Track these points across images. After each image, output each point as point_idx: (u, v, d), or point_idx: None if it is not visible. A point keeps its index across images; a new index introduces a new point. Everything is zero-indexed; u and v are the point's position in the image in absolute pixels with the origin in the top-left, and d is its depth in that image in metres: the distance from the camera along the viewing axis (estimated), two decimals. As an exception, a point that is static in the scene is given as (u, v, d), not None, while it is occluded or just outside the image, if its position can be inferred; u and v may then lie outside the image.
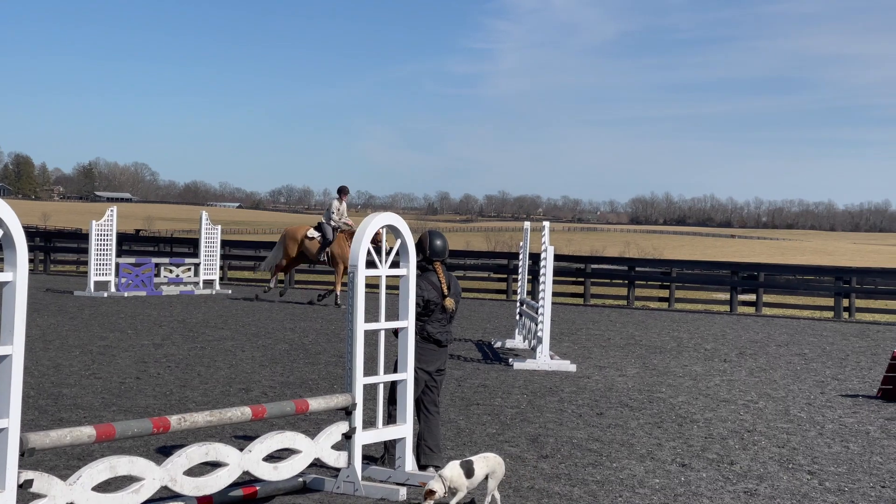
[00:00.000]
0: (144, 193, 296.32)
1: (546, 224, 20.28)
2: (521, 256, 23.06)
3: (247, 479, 8.98)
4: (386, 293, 9.70)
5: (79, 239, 45.42)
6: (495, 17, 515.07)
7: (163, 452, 10.36)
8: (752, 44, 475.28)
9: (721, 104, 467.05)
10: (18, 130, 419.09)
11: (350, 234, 27.99)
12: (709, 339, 23.86)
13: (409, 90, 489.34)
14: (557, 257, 30.69)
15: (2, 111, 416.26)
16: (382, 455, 10.29)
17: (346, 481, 9.33)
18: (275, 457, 8.85)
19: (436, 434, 10.36)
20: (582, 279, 36.01)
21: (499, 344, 21.33)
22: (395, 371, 9.90)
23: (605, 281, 37.72)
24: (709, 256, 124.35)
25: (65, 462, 10.04)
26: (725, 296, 35.67)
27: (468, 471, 8.81)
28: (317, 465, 9.35)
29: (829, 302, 34.00)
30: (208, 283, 33.12)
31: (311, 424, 11.79)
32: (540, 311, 18.54)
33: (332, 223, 28.57)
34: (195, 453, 8.12)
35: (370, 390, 12.23)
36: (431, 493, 8.63)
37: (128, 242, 43.06)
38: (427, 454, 10.18)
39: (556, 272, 31.47)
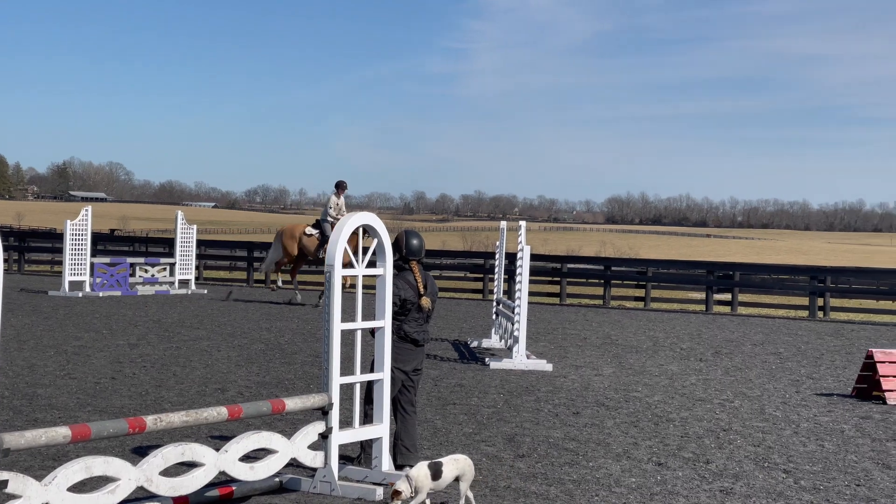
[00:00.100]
0: (119, 193, 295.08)
1: (522, 224, 20.29)
2: (497, 256, 23.07)
3: (223, 480, 8.95)
4: (363, 293, 9.69)
5: (53, 239, 45.25)
6: (471, 16, 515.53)
7: (138, 453, 10.33)
8: (728, 44, 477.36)
9: (696, 104, 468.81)
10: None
11: None
12: (685, 339, 23.92)
13: (386, 90, 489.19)
14: (534, 257, 30.73)
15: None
16: (359, 455, 10.28)
17: (323, 481, 9.31)
18: (251, 457, 8.82)
19: (412, 434, 10.35)
20: (558, 279, 36.07)
21: (475, 343, 21.34)
22: (372, 371, 9.88)
23: (581, 280, 37.78)
24: (684, 256, 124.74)
25: (40, 462, 9.99)
26: (701, 295, 35.80)
27: (436, 472, 8.78)
28: (293, 465, 9.33)
29: (804, 301, 34.14)
30: (184, 283, 33.03)
31: (288, 424, 11.77)
32: (516, 310, 18.55)
33: (330, 219, 28.08)
34: (171, 453, 8.09)
35: (347, 390, 12.21)
36: (398, 493, 8.60)
37: (103, 242, 42.91)
38: (404, 454, 10.17)
39: (533, 272, 31.49)
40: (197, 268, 36.64)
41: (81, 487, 7.94)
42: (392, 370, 9.99)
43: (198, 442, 9.17)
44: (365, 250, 9.73)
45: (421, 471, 8.76)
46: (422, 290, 10.29)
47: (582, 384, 16.37)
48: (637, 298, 35.96)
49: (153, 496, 8.29)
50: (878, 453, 11.99)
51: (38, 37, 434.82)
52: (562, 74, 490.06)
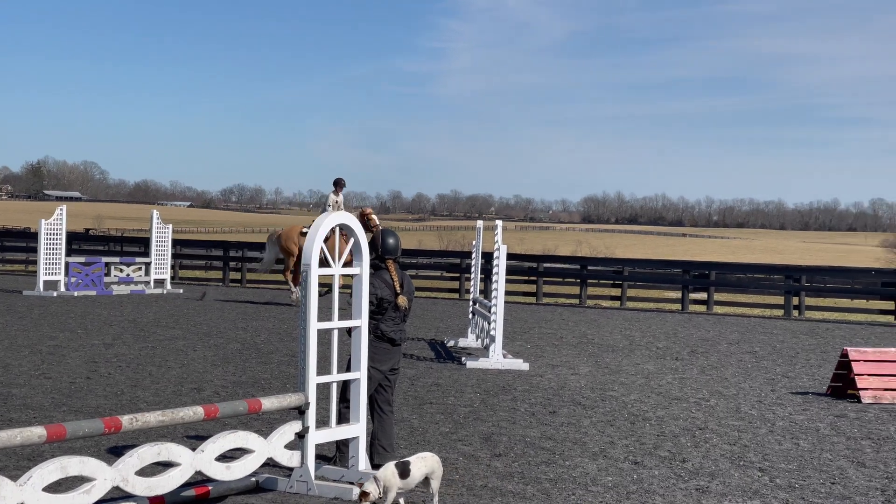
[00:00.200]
0: (94, 192, 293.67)
1: (499, 223, 20.32)
2: (473, 255, 23.09)
3: (199, 479, 8.92)
4: (339, 292, 9.67)
5: (28, 238, 45.06)
6: (447, 16, 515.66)
7: (114, 453, 10.29)
8: (704, 44, 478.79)
9: (672, 104, 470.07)
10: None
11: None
12: (661, 338, 23.99)
13: (362, 89, 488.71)
14: (510, 256, 30.75)
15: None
16: (335, 455, 10.26)
17: (300, 481, 9.30)
18: (227, 456, 8.80)
19: (389, 433, 10.35)
20: (534, 278, 36.13)
21: (452, 343, 21.34)
22: (349, 370, 9.87)
23: (557, 280, 37.86)
24: (660, 255, 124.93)
25: (15, 462, 9.94)
26: (677, 294, 35.90)
27: (403, 471, 8.77)
28: (270, 464, 9.30)
29: (780, 300, 34.29)
30: (159, 283, 32.94)
31: (264, 424, 11.74)
32: (493, 309, 18.56)
33: None
34: (147, 453, 8.06)
35: (323, 389, 12.19)
36: (366, 494, 8.58)
37: (77, 242, 42.72)
38: (381, 454, 10.17)
39: (509, 271, 31.52)
40: (172, 267, 36.51)
41: (57, 487, 7.90)
42: (369, 369, 9.98)
43: (174, 442, 9.13)
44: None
45: (388, 470, 8.74)
46: (398, 289, 10.29)
47: (558, 383, 16.39)
48: (613, 298, 36.04)
49: (129, 496, 8.26)
50: (852, 451, 12.05)
51: (12, 36, 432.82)
52: (538, 74, 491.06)
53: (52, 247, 30.19)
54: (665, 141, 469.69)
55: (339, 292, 9.64)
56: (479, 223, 23.67)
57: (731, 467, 10.98)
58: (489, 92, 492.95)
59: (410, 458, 8.96)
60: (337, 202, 27.77)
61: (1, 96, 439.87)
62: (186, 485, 8.70)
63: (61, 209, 30.97)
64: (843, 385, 16.08)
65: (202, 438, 10.37)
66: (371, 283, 10.08)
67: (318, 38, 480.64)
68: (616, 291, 36.14)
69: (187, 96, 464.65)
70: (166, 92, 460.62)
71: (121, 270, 32.15)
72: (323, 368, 9.75)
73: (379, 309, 10.19)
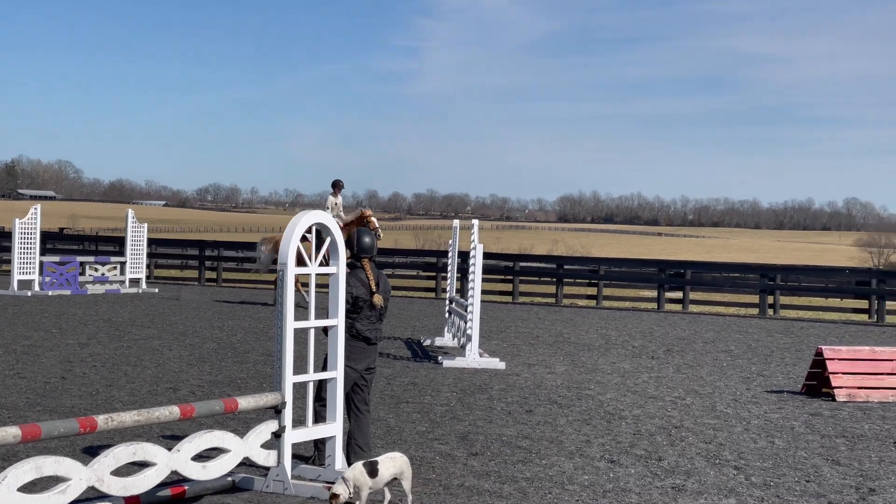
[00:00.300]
0: (68, 191, 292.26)
1: (475, 222, 20.34)
2: (450, 254, 23.10)
3: (175, 479, 8.90)
4: (316, 291, 9.66)
5: (1, 237, 44.76)
6: (422, 15, 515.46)
7: (89, 453, 10.25)
8: (680, 43, 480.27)
9: (648, 103, 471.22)
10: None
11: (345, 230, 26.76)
12: (636, 337, 24.05)
13: (338, 88, 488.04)
14: (486, 255, 30.78)
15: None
16: (313, 455, 10.25)
17: (276, 480, 9.28)
18: (204, 456, 8.77)
19: (366, 433, 10.34)
20: (511, 277, 36.17)
21: (428, 342, 21.34)
22: (325, 369, 9.86)
23: (533, 279, 37.91)
24: (636, 254, 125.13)
25: (-11, 463, 9.88)
26: (653, 293, 36.02)
27: (371, 470, 8.76)
28: (246, 464, 9.28)
29: (755, 299, 34.42)
30: (134, 282, 32.83)
31: (241, 423, 11.72)
32: (469, 308, 18.57)
33: None
34: (122, 453, 8.03)
35: (300, 389, 12.17)
36: (336, 496, 8.57)
37: (52, 241, 42.51)
38: (357, 453, 10.15)
39: (485, 270, 31.53)
40: (148, 266, 36.39)
41: (32, 487, 7.86)
42: (344, 368, 9.96)
43: (150, 441, 9.10)
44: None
45: (356, 470, 8.74)
46: (374, 287, 10.27)
47: (535, 382, 16.41)
48: (589, 297, 36.10)
49: (104, 496, 8.23)
50: (827, 449, 12.11)
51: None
52: (514, 73, 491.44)
53: (26, 246, 30.05)
54: (641, 140, 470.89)
55: (316, 292, 9.63)
56: (456, 222, 23.69)
57: (706, 465, 11.02)
58: (465, 91, 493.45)
59: (379, 458, 8.96)
60: (336, 204, 27.59)
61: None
62: (162, 485, 8.68)
63: (35, 208, 30.82)
64: (817, 383, 16.17)
65: (178, 438, 10.33)
66: (346, 282, 10.06)
67: (292, 36, 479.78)
68: (592, 290, 36.21)
69: (162, 95, 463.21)
70: (141, 91, 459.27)
71: (96, 270, 32.02)
72: (299, 368, 9.74)
73: (354, 308, 10.17)
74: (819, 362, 16.12)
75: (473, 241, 19.58)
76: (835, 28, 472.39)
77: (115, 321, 23.06)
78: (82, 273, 31.43)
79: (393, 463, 8.92)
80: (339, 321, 9.66)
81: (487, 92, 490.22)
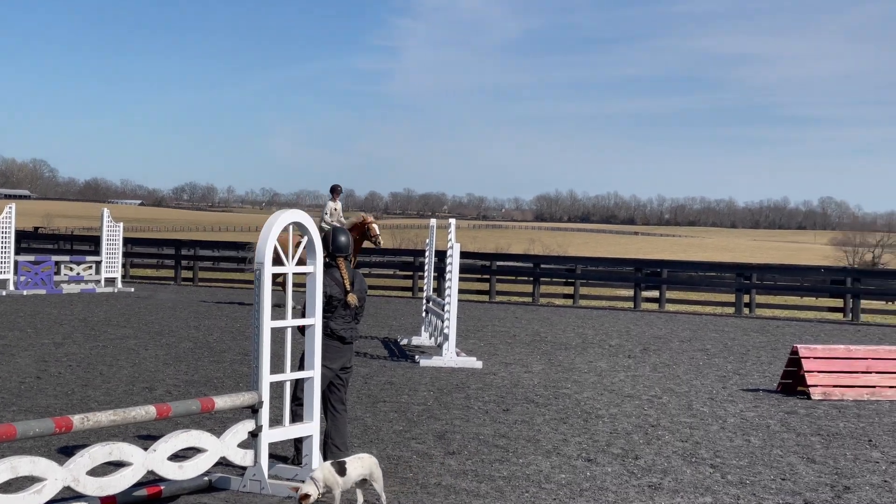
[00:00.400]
0: (43, 190, 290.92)
1: (452, 221, 20.34)
2: (427, 254, 23.08)
3: (151, 479, 8.87)
4: (293, 290, 9.64)
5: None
6: (400, 14, 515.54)
7: (65, 453, 10.21)
8: (656, 43, 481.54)
9: (625, 103, 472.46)
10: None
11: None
12: (613, 336, 24.09)
13: (314, 87, 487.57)
14: (463, 254, 30.77)
15: None
16: (293, 455, 10.22)
17: (253, 480, 9.26)
18: (180, 456, 8.75)
19: (343, 432, 10.32)
20: (487, 276, 36.17)
21: (405, 341, 21.33)
22: (301, 368, 9.84)
23: (510, 278, 37.92)
24: (612, 253, 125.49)
25: (-37, 464, 9.82)
26: (629, 292, 36.08)
27: (340, 470, 8.76)
28: (223, 463, 9.26)
29: (731, 298, 34.51)
30: (110, 282, 32.69)
31: (217, 423, 11.68)
32: (446, 308, 18.57)
33: (325, 224, 26.86)
34: (98, 453, 8.01)
35: (276, 388, 12.14)
36: (306, 496, 8.55)
37: (27, 240, 42.27)
38: (334, 453, 10.13)
39: (462, 269, 31.51)
40: (123, 266, 36.23)
41: (7, 488, 7.83)
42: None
43: (126, 441, 9.07)
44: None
45: (325, 470, 8.73)
46: (348, 286, 10.25)
47: (511, 381, 16.42)
48: (566, 296, 36.13)
49: (80, 496, 8.19)
50: (802, 447, 12.16)
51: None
52: (491, 73, 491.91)
53: (0, 245, 29.87)
54: (617, 140, 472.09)
55: (293, 291, 9.61)
56: (433, 221, 23.69)
57: (683, 464, 11.05)
58: (442, 90, 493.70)
59: (346, 458, 8.96)
60: (336, 209, 27.39)
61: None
62: (138, 484, 8.65)
63: (10, 207, 30.67)
64: (793, 382, 16.23)
65: (154, 438, 10.29)
66: (322, 281, 10.05)
67: (269, 35, 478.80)
68: (569, 289, 36.25)
69: (138, 93, 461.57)
70: (117, 89, 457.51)
71: (71, 269, 31.87)
72: (276, 367, 9.72)
73: (328, 306, 10.14)
74: (795, 361, 16.19)
75: (450, 240, 19.58)
76: (811, 28, 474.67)
77: (91, 321, 22.97)
78: (57, 272, 31.28)
79: (361, 463, 8.90)
80: (316, 320, 9.64)
81: (465, 91, 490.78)
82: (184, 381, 15.20)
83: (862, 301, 33.35)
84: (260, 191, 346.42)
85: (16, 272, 30.08)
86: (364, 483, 8.95)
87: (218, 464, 9.14)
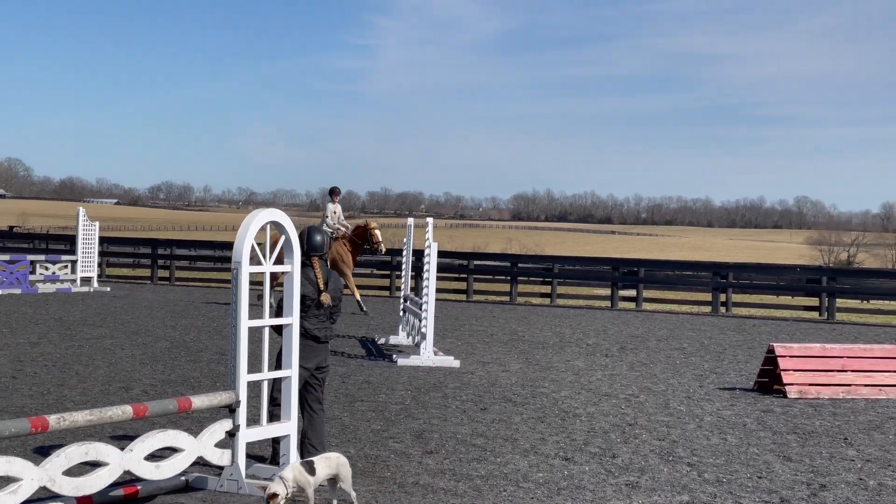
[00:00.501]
0: (18, 189, 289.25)
1: (430, 221, 20.33)
2: (404, 253, 23.07)
3: (128, 479, 8.84)
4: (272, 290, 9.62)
5: (-49, 236, 44.31)
6: (376, 13, 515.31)
7: (41, 452, 10.16)
8: (632, 42, 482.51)
9: (602, 102, 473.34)
10: None
11: (348, 238, 26.00)
12: (590, 335, 24.13)
13: (291, 86, 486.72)
14: (441, 254, 30.76)
15: None
16: (271, 455, 10.19)
17: (230, 479, 9.24)
18: (157, 456, 8.72)
19: (320, 432, 10.31)
20: (465, 275, 36.19)
21: (382, 340, 21.31)
22: (278, 368, 9.82)
23: (487, 277, 37.94)
24: (590, 252, 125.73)
25: (-62, 464, 9.77)
26: (606, 291, 36.15)
27: (310, 469, 8.75)
28: (200, 463, 9.24)
29: (707, 297, 34.61)
30: (86, 281, 32.56)
31: (194, 423, 11.65)
32: (424, 307, 18.57)
33: (326, 227, 26.09)
34: (75, 453, 7.97)
35: (254, 388, 12.12)
36: (274, 495, 8.53)
37: (1, 239, 42.14)
38: (311, 452, 10.11)
39: (440, 269, 31.49)
40: (99, 265, 36.08)
41: (-18, 489, 7.79)
42: (297, 367, 9.93)
43: (102, 441, 9.03)
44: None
45: (295, 469, 8.72)
46: (322, 286, 10.23)
47: (489, 380, 16.43)
48: (543, 295, 36.18)
49: (56, 496, 8.16)
50: (779, 446, 12.20)
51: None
52: (467, 71, 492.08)
53: (-24, 244, 29.75)
54: (594, 139, 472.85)
55: (272, 290, 9.59)
56: (410, 220, 23.68)
57: (660, 462, 11.08)
58: (419, 89, 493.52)
59: (314, 458, 8.96)
60: (335, 212, 27.19)
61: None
62: (115, 484, 8.62)
63: (-15, 206, 30.52)
64: (769, 380, 16.29)
65: (131, 438, 10.25)
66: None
67: (246, 33, 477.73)
68: (546, 289, 36.30)
69: (114, 92, 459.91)
70: (92, 88, 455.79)
71: (46, 268, 31.73)
72: (253, 366, 9.69)
73: (302, 306, 10.12)
74: (771, 359, 16.25)
75: (428, 239, 19.58)
76: (787, 28, 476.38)
77: (67, 320, 22.87)
78: (33, 272, 31.15)
79: (328, 462, 8.90)
80: (293, 320, 9.63)
81: (441, 90, 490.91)
82: (160, 381, 15.15)
83: (837, 300, 33.50)
84: (237, 190, 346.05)
85: (-9, 271, 29.94)
86: (334, 483, 8.94)
87: (195, 463, 9.13)
